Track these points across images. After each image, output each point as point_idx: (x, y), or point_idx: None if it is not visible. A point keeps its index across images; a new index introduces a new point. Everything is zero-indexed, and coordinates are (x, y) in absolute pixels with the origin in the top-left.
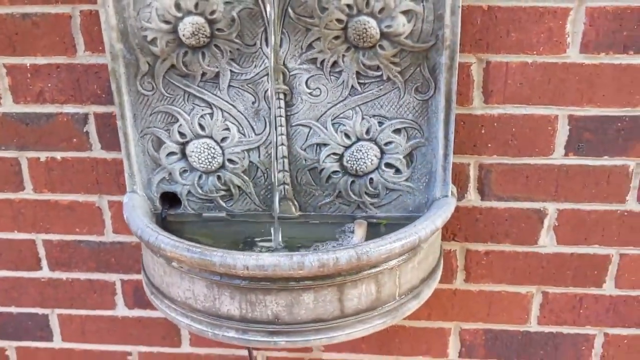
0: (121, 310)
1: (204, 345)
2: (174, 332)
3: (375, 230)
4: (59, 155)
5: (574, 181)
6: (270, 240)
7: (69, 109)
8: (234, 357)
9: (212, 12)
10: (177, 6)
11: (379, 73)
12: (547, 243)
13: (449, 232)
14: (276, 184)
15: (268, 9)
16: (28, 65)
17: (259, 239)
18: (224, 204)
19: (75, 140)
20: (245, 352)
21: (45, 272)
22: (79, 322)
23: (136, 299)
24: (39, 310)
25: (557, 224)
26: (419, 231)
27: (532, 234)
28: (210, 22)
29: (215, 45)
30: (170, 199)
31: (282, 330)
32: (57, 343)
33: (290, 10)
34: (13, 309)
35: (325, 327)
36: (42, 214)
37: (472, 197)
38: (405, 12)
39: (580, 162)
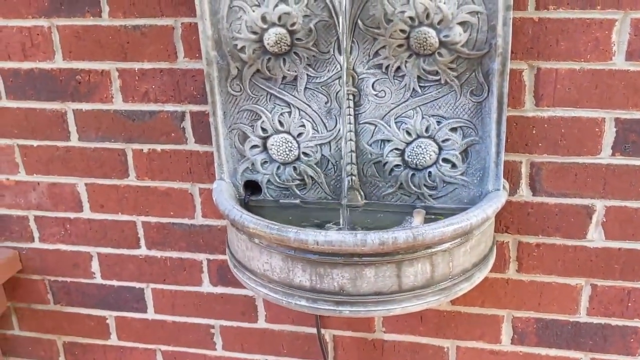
0: (206, 286)
1: (278, 322)
2: (252, 309)
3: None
4: (159, 147)
5: (621, 180)
6: (337, 224)
7: (169, 107)
8: (304, 334)
9: (293, 24)
10: (263, 19)
11: (438, 77)
12: (595, 238)
13: (502, 224)
14: (345, 175)
15: (341, 21)
16: (136, 69)
17: (328, 223)
18: (298, 192)
19: (173, 134)
20: (314, 330)
21: (143, 250)
22: (170, 296)
23: (220, 277)
24: (136, 284)
25: (605, 220)
26: (470, 218)
27: (581, 228)
28: (291, 33)
29: (295, 53)
30: (252, 187)
31: (347, 300)
32: (150, 314)
33: (359, 22)
34: (114, 282)
35: (385, 299)
36: (143, 198)
37: (524, 193)
38: (461, 23)
39: (626, 162)
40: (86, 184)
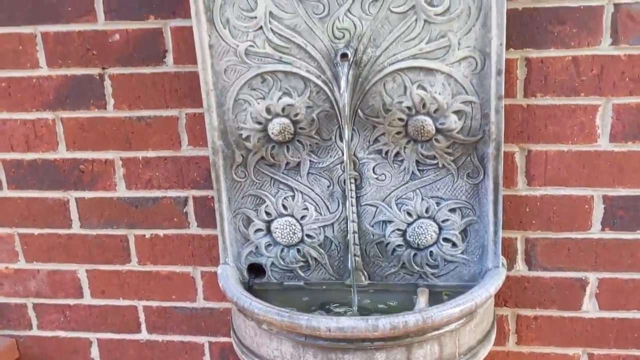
0: None
1: None
2: None
3: (436, 297)
4: (161, 232)
5: (611, 253)
6: (342, 306)
7: (172, 193)
8: None
9: (296, 115)
10: (268, 110)
11: (435, 161)
12: (590, 309)
13: (500, 298)
14: (351, 256)
15: (342, 111)
16: (140, 157)
17: (333, 304)
18: (302, 274)
19: (176, 219)
20: None
21: (144, 335)
22: None
23: (222, 359)
24: None
25: (598, 292)
26: (475, 298)
27: (576, 300)
28: (294, 122)
29: (298, 140)
30: (255, 270)
31: None
32: None
33: (360, 112)
34: None
35: None
36: (144, 283)
37: (521, 268)
38: (456, 112)
39: (615, 236)
40: (87, 270)
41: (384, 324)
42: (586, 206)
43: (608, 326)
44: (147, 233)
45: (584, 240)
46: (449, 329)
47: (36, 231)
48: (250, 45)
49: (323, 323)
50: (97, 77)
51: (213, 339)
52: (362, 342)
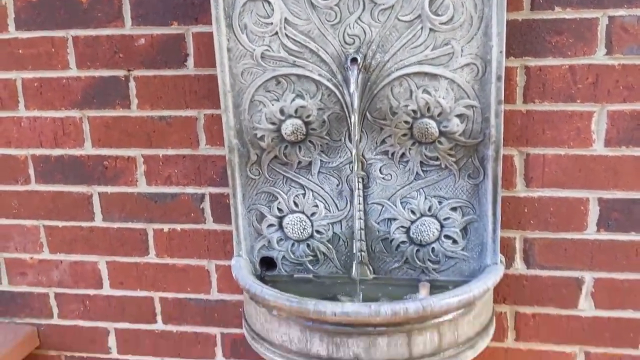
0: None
1: None
2: None
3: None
4: (179, 227)
5: (607, 253)
6: (349, 297)
7: (190, 189)
8: None
9: (308, 116)
10: (281, 111)
11: (438, 162)
12: (586, 307)
13: (500, 296)
14: (357, 251)
15: (352, 114)
16: (160, 155)
17: (339, 296)
18: (311, 267)
19: (192, 214)
20: None
21: (159, 325)
22: None
23: (233, 351)
24: (151, 359)
25: (594, 291)
26: (473, 290)
27: (572, 299)
28: (306, 124)
29: (310, 141)
30: (267, 263)
31: None
32: None
33: (368, 114)
34: (130, 357)
35: None
36: (161, 275)
37: (519, 266)
38: (458, 116)
39: (611, 237)
40: (107, 262)
41: (385, 309)
42: (582, 208)
43: (604, 325)
44: (165, 227)
45: (580, 240)
46: (448, 318)
47: (60, 223)
48: (266, 50)
49: (329, 308)
50: (123, 79)
51: (225, 330)
52: (365, 327)
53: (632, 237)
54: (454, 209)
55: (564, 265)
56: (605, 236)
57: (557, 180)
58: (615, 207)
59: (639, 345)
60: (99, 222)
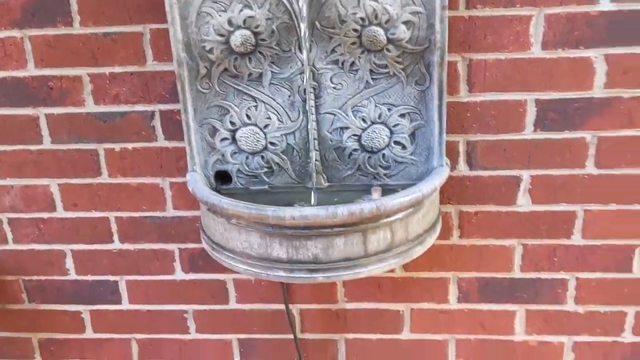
0: (179, 274)
1: (248, 301)
2: (223, 292)
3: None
4: (130, 146)
5: (543, 152)
6: (305, 204)
7: (139, 107)
8: (272, 311)
9: (257, 27)
10: (230, 22)
11: (387, 70)
12: (523, 203)
13: (445, 197)
14: (312, 160)
15: (300, 23)
16: (107, 73)
17: (296, 203)
18: (266, 179)
19: (143, 133)
20: (281, 306)
21: (116, 245)
22: (144, 286)
23: (191, 265)
24: (110, 278)
25: (531, 187)
26: (422, 189)
27: (511, 196)
28: (255, 34)
29: (259, 52)
30: (222, 177)
31: (320, 268)
32: (125, 305)
33: (317, 23)
34: (89, 277)
35: (353, 264)
36: (115, 195)
37: (463, 168)
38: (405, 22)
39: (546, 137)
40: (59, 185)
41: (342, 211)
42: (520, 110)
43: (540, 218)
44: (117, 147)
45: (518, 141)
46: (399, 217)
47: (8, 148)
48: None
49: (288, 212)
50: None
51: (183, 246)
52: (323, 229)
53: (566, 135)
54: (402, 115)
55: (503, 165)
56: (541, 135)
57: (497, 84)
58: (550, 108)
59: (571, 235)
60: (47, 144)
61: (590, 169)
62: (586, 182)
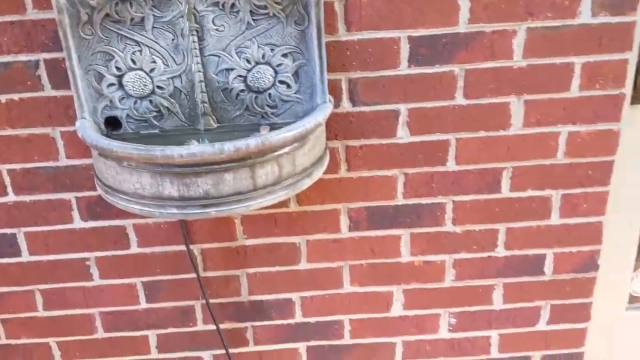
0: (78, 223)
1: (149, 245)
2: (123, 237)
3: None
4: (16, 96)
5: (417, 86)
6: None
7: (23, 57)
8: (174, 252)
9: None
10: None
11: (267, 11)
12: (403, 135)
13: (332, 133)
14: (200, 102)
15: None
16: None
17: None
18: (156, 123)
19: (29, 83)
20: (182, 247)
21: (11, 197)
22: (43, 237)
23: (89, 212)
24: (7, 230)
25: (408, 120)
26: (305, 124)
27: (391, 129)
28: None
29: None
30: (112, 123)
31: (212, 203)
32: (25, 257)
33: None
34: None
35: (243, 198)
36: (5, 147)
37: (346, 105)
38: None
39: (420, 71)
40: None
41: (228, 147)
42: (395, 47)
43: (417, 148)
44: (2, 98)
45: (394, 76)
46: (286, 151)
47: None
48: None
49: (176, 151)
50: None
51: (79, 194)
52: (212, 166)
53: (437, 69)
54: (285, 55)
55: (383, 100)
56: (415, 70)
57: (372, 22)
58: (422, 44)
59: (446, 162)
60: None
61: (460, 100)
62: (456, 113)
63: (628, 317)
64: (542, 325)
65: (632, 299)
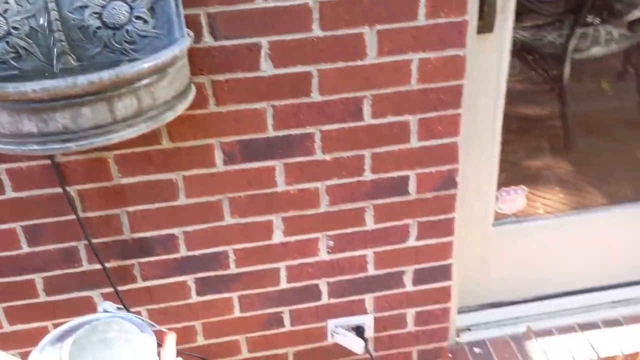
0: None
1: (24, 189)
2: None
3: None
4: None
5: (276, 19)
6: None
7: None
8: (50, 195)
9: None
10: None
11: None
12: (266, 68)
13: (197, 68)
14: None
15: None
16: None
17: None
18: (15, 64)
19: None
20: (59, 190)
21: None
22: None
23: None
24: None
25: (270, 53)
26: (161, 57)
27: (255, 62)
28: None
29: None
30: None
31: (72, 137)
32: None
33: None
34: None
35: (104, 131)
36: None
37: (208, 40)
38: None
39: (275, 4)
40: None
41: (82, 80)
42: None
43: (282, 81)
44: None
45: (252, 10)
46: (144, 84)
47: None
48: None
49: (29, 86)
50: None
51: None
52: (68, 100)
53: (292, 2)
54: None
55: (244, 33)
56: (271, 4)
57: None
58: None
59: (310, 93)
60: None
61: (317, 31)
62: (315, 44)
63: (495, 232)
64: (411, 242)
65: (498, 216)
